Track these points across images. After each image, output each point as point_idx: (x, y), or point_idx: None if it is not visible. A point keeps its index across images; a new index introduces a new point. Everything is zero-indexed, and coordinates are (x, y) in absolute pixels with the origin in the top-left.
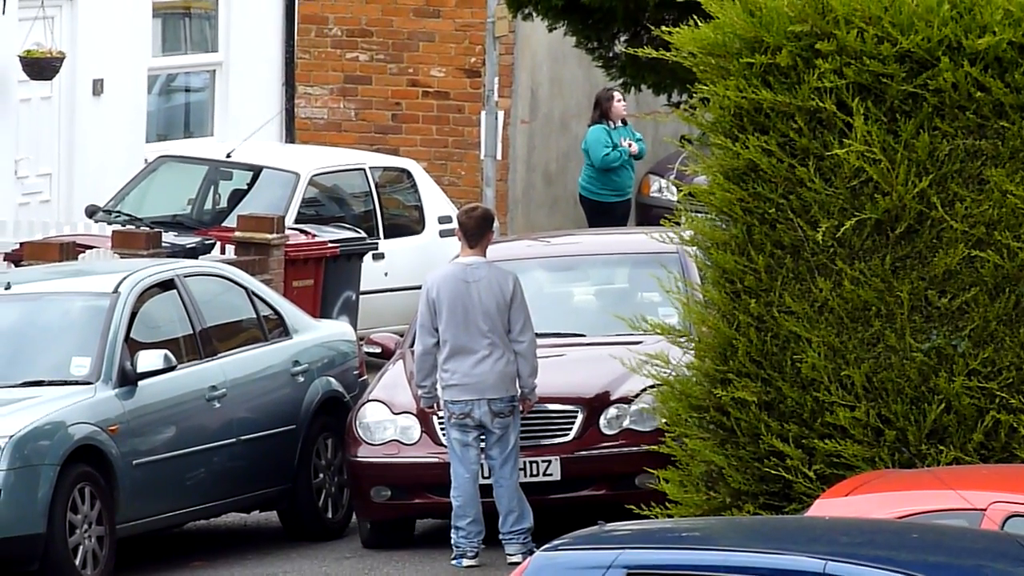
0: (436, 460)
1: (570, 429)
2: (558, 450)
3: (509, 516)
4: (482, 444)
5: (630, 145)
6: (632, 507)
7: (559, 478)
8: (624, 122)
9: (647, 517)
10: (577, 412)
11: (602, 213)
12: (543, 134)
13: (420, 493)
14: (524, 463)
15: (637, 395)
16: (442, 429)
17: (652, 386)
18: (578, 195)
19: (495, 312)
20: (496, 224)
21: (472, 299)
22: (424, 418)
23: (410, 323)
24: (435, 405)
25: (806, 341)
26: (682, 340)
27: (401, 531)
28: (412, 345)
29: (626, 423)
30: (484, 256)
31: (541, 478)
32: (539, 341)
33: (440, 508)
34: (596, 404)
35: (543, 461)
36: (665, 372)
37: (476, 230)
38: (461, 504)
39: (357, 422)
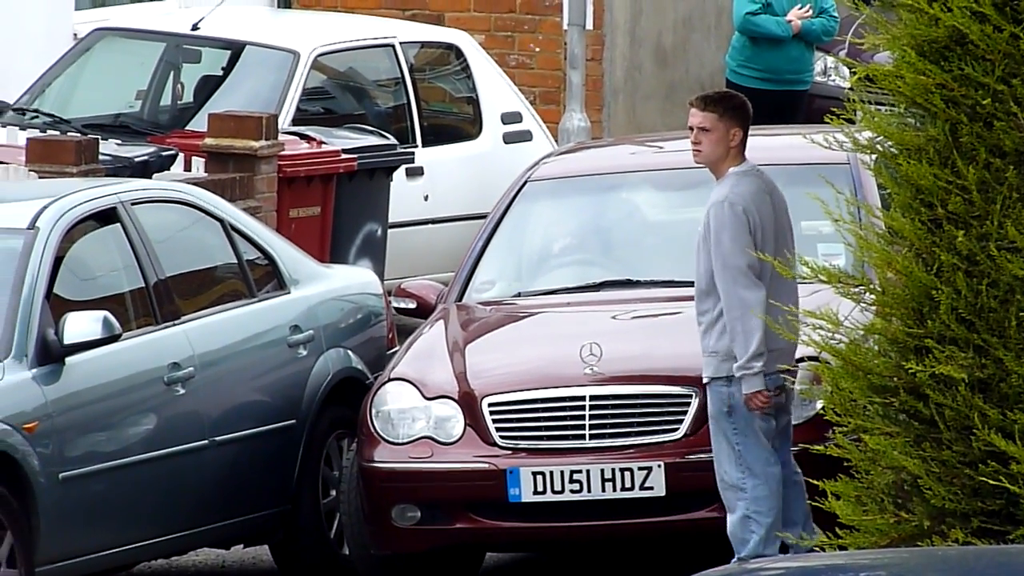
0: (486, 466)
1: (680, 422)
2: (662, 452)
3: (809, 519)
4: None
5: (800, 14)
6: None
7: (663, 492)
8: None
9: (808, 549)
10: (691, 397)
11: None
12: None
13: (462, 514)
14: (613, 471)
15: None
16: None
17: (806, 359)
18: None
19: (790, 235)
20: (585, 123)
21: (781, 219)
22: (470, 406)
23: (459, 267)
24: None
25: None
26: (856, 290)
27: (432, 570)
28: (459, 299)
29: None
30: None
31: (637, 492)
32: (642, 292)
33: (492, 535)
34: None
35: (640, 469)
36: (830, 337)
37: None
38: (760, 511)
39: (373, 411)
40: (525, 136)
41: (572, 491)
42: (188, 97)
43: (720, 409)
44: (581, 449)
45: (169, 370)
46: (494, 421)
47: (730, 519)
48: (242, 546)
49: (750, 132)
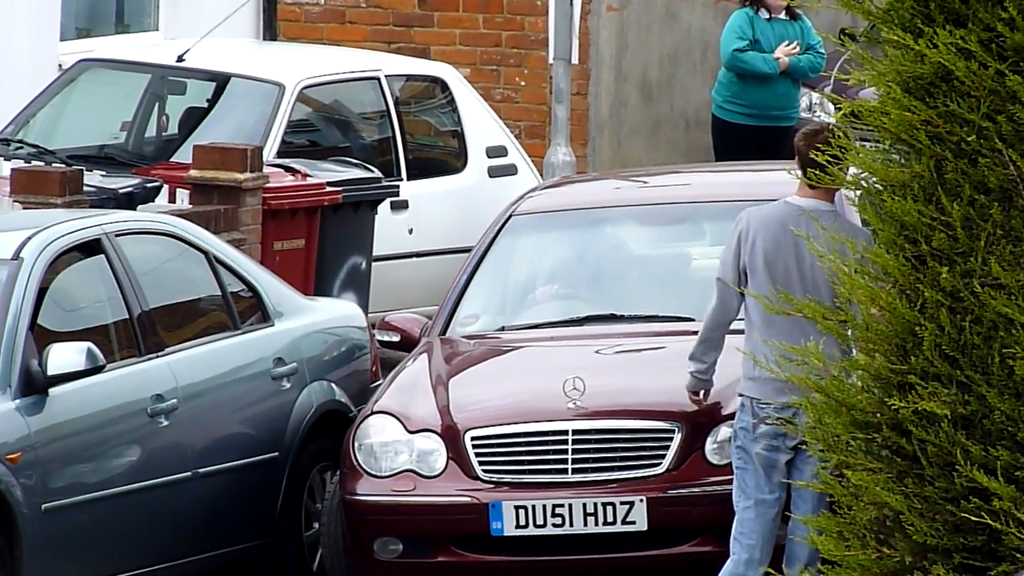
0: (469, 500)
1: (662, 457)
2: (644, 487)
3: (815, 562)
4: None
5: (788, 51)
6: (770, 572)
7: (645, 527)
8: (794, 16)
9: None
10: (673, 432)
11: (734, 141)
12: (640, 26)
13: (444, 548)
14: (596, 506)
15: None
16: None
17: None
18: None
19: (824, 290)
20: (570, 157)
21: (802, 262)
22: (453, 439)
23: (443, 301)
24: (704, 393)
25: (1022, 328)
26: (840, 326)
27: None
28: (443, 332)
29: None
30: (830, 202)
31: (619, 527)
32: (626, 327)
33: (474, 569)
34: (701, 420)
35: (622, 503)
36: (814, 373)
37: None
38: (744, 532)
39: (356, 444)
40: (510, 170)
41: (554, 525)
42: (173, 129)
43: None
44: (564, 483)
45: (152, 402)
46: (477, 455)
47: None
48: None
49: (738, 168)
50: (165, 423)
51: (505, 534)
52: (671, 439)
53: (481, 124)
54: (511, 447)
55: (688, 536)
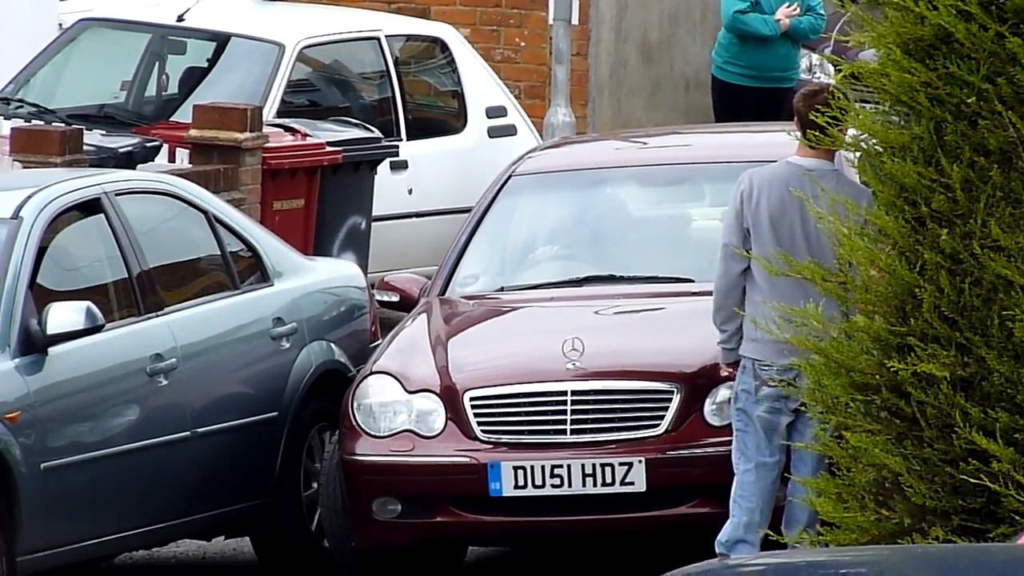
0: (467, 460)
1: (661, 418)
2: (643, 448)
3: (814, 524)
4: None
5: (788, 12)
6: (769, 533)
7: (644, 488)
8: None
9: (785, 546)
10: (672, 393)
11: (733, 102)
12: None
13: (443, 508)
14: (594, 466)
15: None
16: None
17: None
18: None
19: (829, 250)
20: (570, 118)
21: (807, 222)
22: (452, 399)
23: (443, 261)
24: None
25: (1021, 290)
26: (840, 288)
27: (413, 564)
28: (442, 293)
29: None
30: (831, 161)
31: (618, 488)
32: (625, 288)
33: (472, 529)
34: (700, 381)
35: (621, 464)
36: (813, 335)
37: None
38: (744, 495)
39: (355, 404)
40: (510, 130)
41: (553, 486)
42: (173, 88)
43: None
44: (562, 444)
45: (152, 361)
46: (476, 415)
47: None
48: (223, 538)
49: (738, 129)
50: (164, 382)
51: (504, 494)
52: (670, 400)
53: (481, 84)
54: (510, 407)
55: (687, 497)
